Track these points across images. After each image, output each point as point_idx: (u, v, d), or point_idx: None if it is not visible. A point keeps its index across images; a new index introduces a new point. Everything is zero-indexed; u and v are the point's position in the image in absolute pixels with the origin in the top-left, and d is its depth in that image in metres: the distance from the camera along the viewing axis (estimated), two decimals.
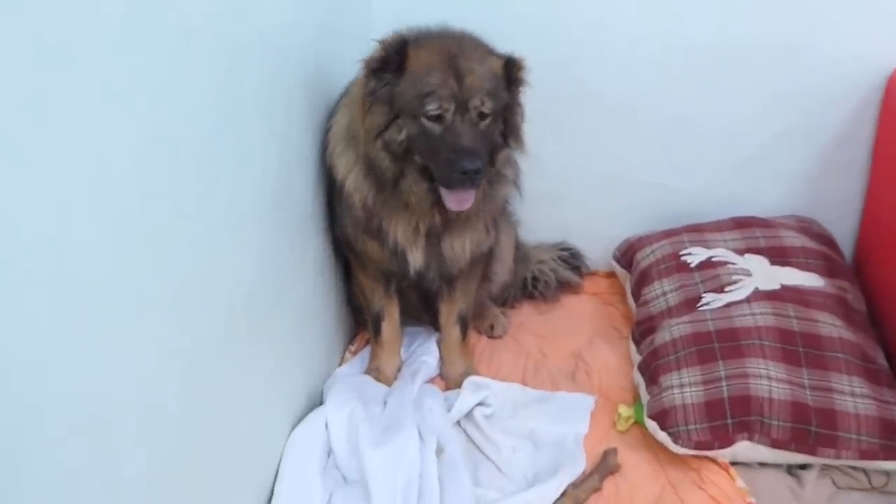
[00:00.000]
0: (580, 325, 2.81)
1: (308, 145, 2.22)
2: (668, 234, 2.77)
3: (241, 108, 1.73)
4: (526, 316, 2.88)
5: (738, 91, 2.71)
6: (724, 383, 2.17)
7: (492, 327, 2.77)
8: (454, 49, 2.07)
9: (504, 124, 2.16)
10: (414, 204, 2.17)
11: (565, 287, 2.95)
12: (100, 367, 1.23)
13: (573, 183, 2.93)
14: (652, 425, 2.20)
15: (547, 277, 2.91)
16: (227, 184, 1.66)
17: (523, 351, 2.69)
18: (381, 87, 2.06)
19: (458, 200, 2.09)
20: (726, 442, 2.13)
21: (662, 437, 2.17)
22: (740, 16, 2.59)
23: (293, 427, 2.10)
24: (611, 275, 3.01)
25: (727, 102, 2.73)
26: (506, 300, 2.87)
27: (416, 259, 2.28)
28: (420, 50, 2.07)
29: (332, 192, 2.32)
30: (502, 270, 2.69)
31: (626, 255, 2.84)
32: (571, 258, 2.97)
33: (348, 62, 2.15)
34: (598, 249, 3.02)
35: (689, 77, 2.70)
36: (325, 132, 2.28)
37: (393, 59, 2.04)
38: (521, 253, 2.85)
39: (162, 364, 1.42)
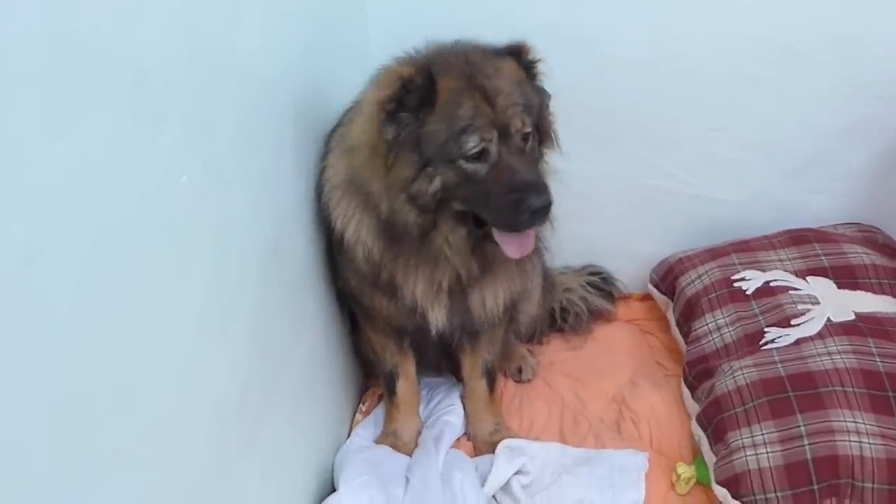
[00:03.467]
0: (618, 361, 2.48)
1: (301, 187, 1.87)
2: (714, 253, 2.44)
3: (219, 167, 1.39)
4: (555, 353, 2.55)
5: (789, 88, 2.39)
6: (805, 441, 1.85)
7: (519, 370, 2.44)
8: (465, 67, 1.72)
9: (538, 131, 1.81)
10: (450, 255, 1.81)
11: (597, 316, 2.63)
12: None
13: (601, 198, 2.60)
14: (722, 493, 1.90)
15: (577, 307, 2.57)
16: (204, 269, 1.32)
17: (557, 397, 2.36)
18: (403, 132, 1.67)
19: (520, 245, 1.75)
20: None
21: None
22: (790, 5, 2.26)
23: None
24: (646, 297, 2.68)
25: (776, 101, 2.41)
26: (532, 336, 2.53)
27: (438, 318, 1.94)
28: (445, 78, 1.69)
29: (331, 240, 1.98)
30: (530, 306, 2.35)
31: (666, 279, 2.50)
32: (602, 283, 2.65)
33: (343, 85, 1.81)
34: (630, 270, 2.71)
35: (731, 74, 2.38)
36: (320, 172, 1.92)
37: (416, 94, 1.66)
38: (548, 281, 2.50)
39: None
